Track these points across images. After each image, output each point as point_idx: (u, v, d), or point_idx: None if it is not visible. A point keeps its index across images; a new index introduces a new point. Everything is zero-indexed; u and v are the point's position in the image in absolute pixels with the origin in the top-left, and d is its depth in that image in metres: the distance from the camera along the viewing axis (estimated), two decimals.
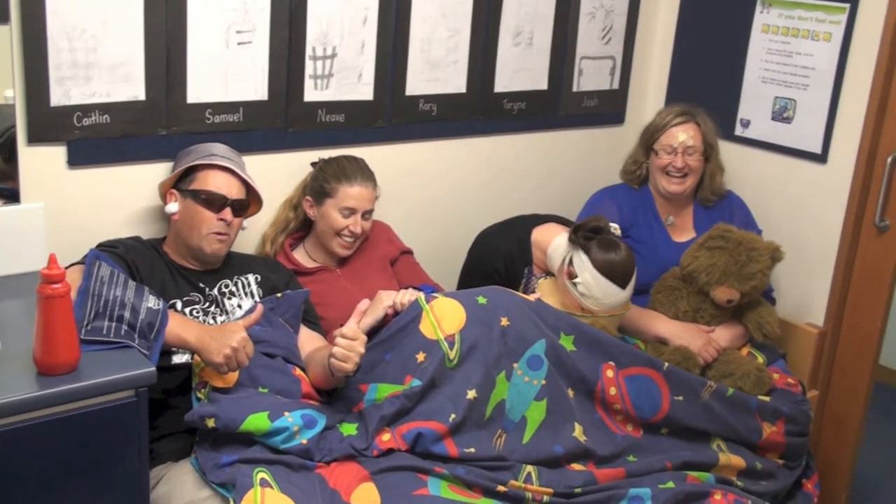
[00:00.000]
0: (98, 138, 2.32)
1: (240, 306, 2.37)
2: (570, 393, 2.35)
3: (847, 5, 2.92)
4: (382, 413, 2.20)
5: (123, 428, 1.85)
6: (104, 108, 2.31)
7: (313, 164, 2.68)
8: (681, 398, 2.46)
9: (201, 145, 2.40)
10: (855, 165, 2.96)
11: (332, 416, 2.20)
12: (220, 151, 2.38)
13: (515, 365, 2.30)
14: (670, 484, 2.32)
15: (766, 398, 2.64)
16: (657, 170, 2.97)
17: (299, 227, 2.70)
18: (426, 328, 2.28)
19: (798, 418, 2.66)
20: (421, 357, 2.26)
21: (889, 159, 2.88)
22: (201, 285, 2.35)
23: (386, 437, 2.17)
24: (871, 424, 3.30)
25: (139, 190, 2.44)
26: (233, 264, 2.44)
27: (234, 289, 2.40)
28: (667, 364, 2.50)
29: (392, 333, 2.32)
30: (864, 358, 3.09)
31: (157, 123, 2.41)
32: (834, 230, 3.04)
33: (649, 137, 3.00)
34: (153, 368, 1.87)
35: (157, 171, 2.45)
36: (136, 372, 1.85)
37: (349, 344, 2.13)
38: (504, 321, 2.33)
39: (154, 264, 2.31)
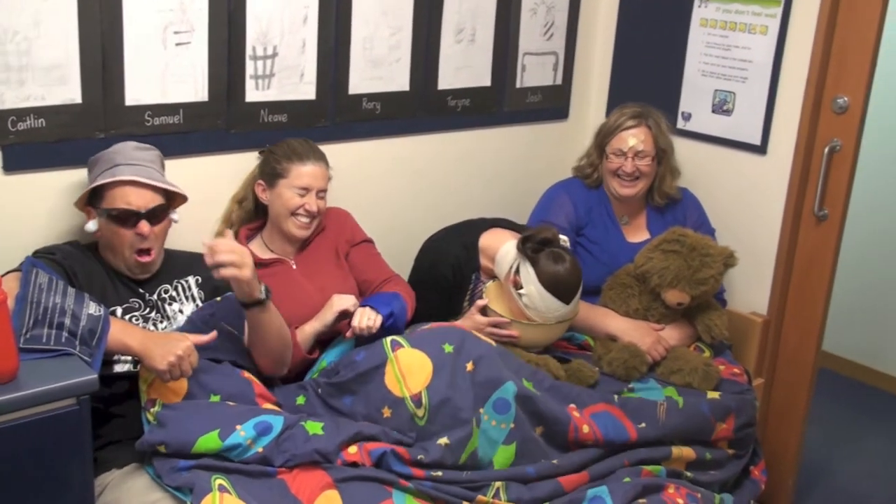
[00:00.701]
0: (34, 143, 2.27)
1: (181, 311, 2.33)
2: (538, 430, 2.36)
3: None
4: (360, 429, 2.19)
5: (66, 437, 1.83)
6: (39, 111, 2.26)
7: (261, 153, 2.65)
8: (644, 425, 2.49)
9: (106, 152, 2.26)
10: (793, 156, 3.01)
11: (290, 416, 2.17)
12: (124, 158, 2.24)
13: (482, 410, 2.29)
14: (626, 479, 2.35)
15: (716, 394, 2.68)
16: (608, 172, 2.97)
17: (248, 219, 2.67)
18: (391, 381, 2.26)
19: (744, 409, 2.70)
20: (387, 413, 2.25)
21: (826, 149, 2.94)
22: (141, 291, 2.30)
23: (353, 449, 2.16)
24: (816, 410, 3.37)
25: (78, 195, 2.39)
26: (173, 266, 2.39)
27: (174, 293, 2.35)
28: (616, 395, 2.54)
29: (354, 377, 2.30)
30: (807, 345, 3.14)
31: (94, 126, 2.36)
32: (775, 220, 3.09)
33: (602, 140, 2.99)
34: (95, 376, 1.84)
35: None
36: (77, 380, 1.82)
37: (232, 247, 2.15)
38: (469, 366, 2.32)
39: (93, 270, 2.26)
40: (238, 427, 2.05)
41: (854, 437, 3.93)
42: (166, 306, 2.32)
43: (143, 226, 2.20)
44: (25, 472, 1.78)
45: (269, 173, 2.57)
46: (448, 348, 2.32)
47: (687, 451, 2.55)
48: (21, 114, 2.23)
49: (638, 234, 3.04)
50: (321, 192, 2.59)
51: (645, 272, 2.77)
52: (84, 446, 1.85)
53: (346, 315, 2.52)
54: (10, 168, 2.26)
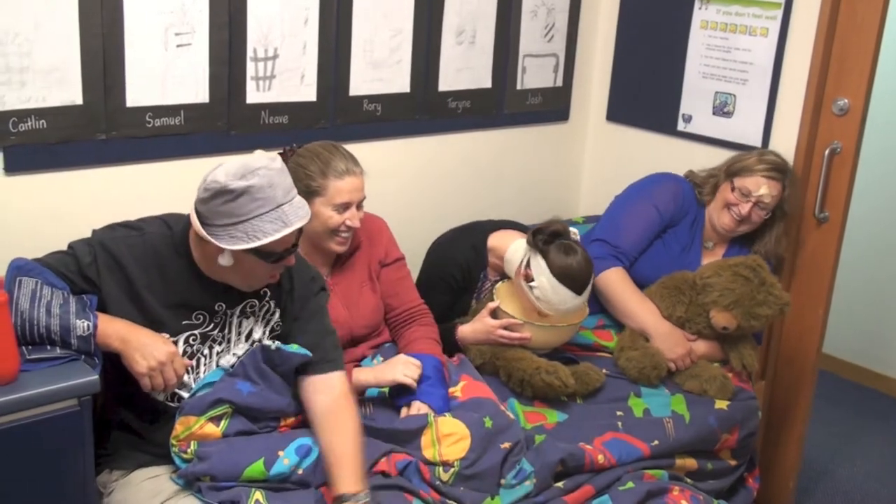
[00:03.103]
0: (35, 144, 2.27)
1: (250, 334, 2.14)
2: (559, 468, 2.35)
3: (783, 1, 2.97)
4: (392, 449, 2.20)
5: (68, 438, 1.83)
6: (40, 113, 2.26)
7: (282, 155, 2.48)
8: (657, 443, 2.50)
9: (258, 186, 1.89)
10: (794, 158, 3.01)
11: None
12: (283, 194, 1.95)
13: (503, 481, 2.28)
14: (630, 484, 2.36)
15: (724, 404, 2.69)
16: (722, 201, 2.89)
17: None
18: (426, 443, 2.25)
19: (749, 419, 2.73)
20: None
21: (826, 152, 2.94)
22: (220, 304, 2.10)
23: (381, 458, 2.17)
24: (817, 412, 3.37)
25: (79, 196, 2.39)
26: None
27: (257, 310, 2.15)
28: (620, 421, 2.54)
29: (390, 430, 2.27)
30: (808, 347, 3.14)
31: (95, 128, 2.36)
32: None
33: (735, 171, 2.88)
34: (96, 377, 1.84)
35: (98, 177, 2.41)
36: (78, 381, 1.82)
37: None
38: (505, 445, 2.30)
39: (170, 272, 2.04)
40: (280, 453, 2.04)
41: (854, 438, 3.93)
42: (236, 323, 2.13)
43: (291, 259, 2.05)
44: (27, 473, 1.78)
45: (304, 191, 2.31)
46: (488, 423, 2.32)
47: (689, 462, 2.58)
48: (22, 115, 2.23)
49: (712, 259, 2.99)
50: (361, 203, 2.45)
51: (707, 285, 2.74)
52: (85, 447, 1.85)
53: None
54: (12, 169, 2.26)
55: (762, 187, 2.81)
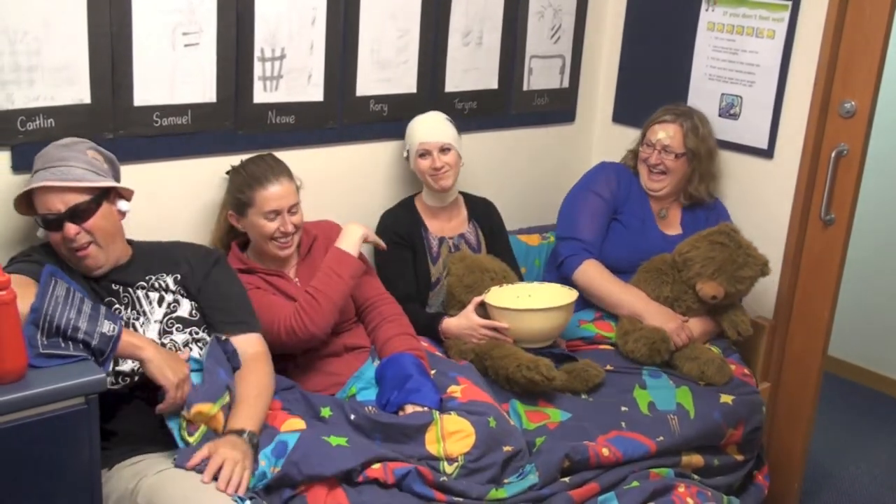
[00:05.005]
0: (43, 142, 2.26)
1: (159, 303, 2.25)
2: (567, 463, 2.36)
3: (789, 3, 2.97)
4: (385, 454, 2.18)
5: (74, 435, 1.83)
6: (49, 111, 2.27)
7: (228, 173, 2.58)
8: (662, 438, 2.50)
9: (37, 156, 2.18)
10: (800, 160, 3.01)
11: (309, 430, 2.15)
12: (43, 162, 2.14)
13: (507, 481, 2.29)
14: (635, 483, 2.36)
15: (729, 399, 2.69)
16: (640, 161, 3.07)
17: (234, 236, 2.61)
18: (430, 440, 2.26)
19: (754, 414, 2.73)
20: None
21: (833, 154, 2.93)
22: (115, 287, 2.21)
23: (376, 465, 2.14)
24: (822, 414, 3.36)
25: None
26: (145, 260, 2.29)
27: (150, 292, 2.26)
28: (624, 420, 2.54)
29: (394, 424, 2.27)
30: (813, 349, 3.13)
31: (103, 127, 2.37)
32: (781, 224, 3.08)
33: (643, 130, 3.09)
34: (103, 375, 1.85)
35: None
36: (85, 379, 1.82)
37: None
38: (508, 449, 2.30)
39: (71, 274, 2.16)
40: (263, 463, 2.05)
41: (859, 441, 3.92)
42: (143, 302, 2.24)
43: (68, 228, 2.09)
44: (34, 470, 1.78)
45: (236, 204, 2.49)
46: (492, 423, 2.32)
47: (696, 458, 2.58)
48: (30, 114, 2.24)
49: (672, 228, 3.08)
50: (292, 208, 2.49)
51: (688, 259, 2.81)
52: (92, 445, 1.85)
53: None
54: (20, 168, 2.26)
55: (659, 132, 2.99)
